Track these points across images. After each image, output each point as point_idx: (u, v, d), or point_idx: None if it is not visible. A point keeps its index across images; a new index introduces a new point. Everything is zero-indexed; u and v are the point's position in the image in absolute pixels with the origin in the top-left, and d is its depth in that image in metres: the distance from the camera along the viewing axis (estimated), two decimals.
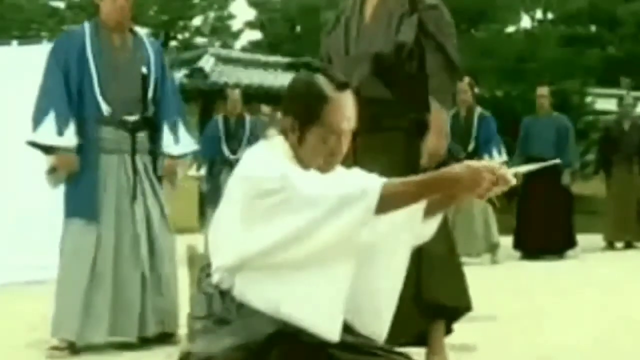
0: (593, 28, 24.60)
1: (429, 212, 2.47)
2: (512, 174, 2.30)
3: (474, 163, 2.28)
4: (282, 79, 17.60)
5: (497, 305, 5.69)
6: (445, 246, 3.69)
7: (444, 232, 3.20)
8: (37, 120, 4.55)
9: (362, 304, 2.45)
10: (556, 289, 7.01)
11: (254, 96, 13.85)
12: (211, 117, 10.28)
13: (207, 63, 17.91)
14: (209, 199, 9.34)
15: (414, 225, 2.46)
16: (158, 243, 4.71)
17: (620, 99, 11.51)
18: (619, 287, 7.09)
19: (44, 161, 4.67)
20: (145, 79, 4.69)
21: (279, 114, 11.86)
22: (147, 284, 4.65)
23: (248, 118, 9.40)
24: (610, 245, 11.10)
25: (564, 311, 5.80)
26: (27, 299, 6.29)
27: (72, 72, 4.60)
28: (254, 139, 8.87)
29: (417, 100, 3.76)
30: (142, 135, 4.74)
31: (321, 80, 2.44)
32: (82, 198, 4.60)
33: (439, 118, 3.72)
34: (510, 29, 23.08)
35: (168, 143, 4.78)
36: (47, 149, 4.60)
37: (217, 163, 9.15)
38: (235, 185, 2.41)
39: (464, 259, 4.80)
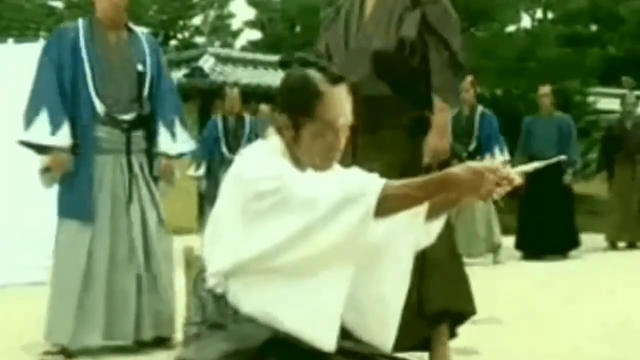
0: (594, 27, 24.53)
1: (431, 215, 2.38)
2: (517, 173, 2.21)
3: (475, 164, 2.18)
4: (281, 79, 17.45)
5: (500, 308, 5.62)
6: (447, 249, 3.59)
7: (446, 235, 3.11)
8: (30, 119, 4.46)
9: (365, 312, 2.36)
10: (559, 291, 6.94)
11: (253, 95, 13.77)
12: (210, 117, 10.23)
13: (206, 62, 17.83)
14: (207, 199, 9.26)
15: (416, 228, 2.37)
16: (154, 244, 4.62)
17: (623, 98, 11.42)
18: (623, 289, 7.02)
19: (37, 161, 4.58)
20: (141, 76, 4.59)
21: (281, 118, 11.78)
22: (142, 286, 4.56)
23: (247, 117, 9.33)
24: (613, 245, 11.03)
25: (567, 314, 5.73)
26: (26, 300, 6.19)
27: (66, 69, 4.50)
28: (253, 138, 8.86)
29: (419, 97, 3.67)
30: (138, 135, 4.64)
31: (314, 74, 2.35)
32: (76, 199, 4.51)
33: (442, 116, 3.62)
34: (511, 28, 23.06)
35: (165, 142, 4.68)
36: (40, 149, 4.51)
37: (215, 162, 9.07)
38: (229, 186, 2.32)
39: (465, 260, 4.75)
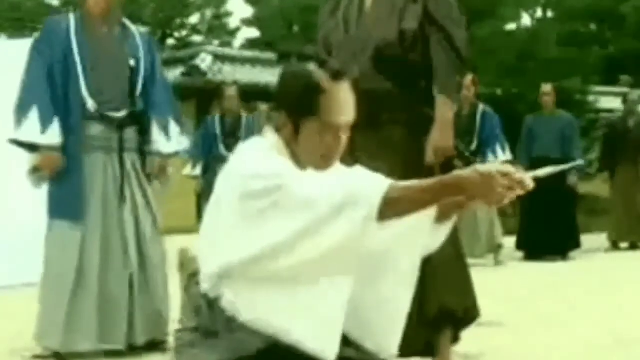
0: (594, 26, 24.45)
1: (438, 218, 2.25)
2: (530, 178, 2.07)
3: (486, 167, 2.06)
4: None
5: (503, 311, 5.52)
6: (452, 252, 3.45)
7: (452, 237, 2.97)
8: (20, 117, 4.32)
9: (369, 318, 2.26)
10: (562, 293, 6.83)
11: (251, 94, 13.70)
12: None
13: (203, 61, 17.74)
14: (205, 198, 9.15)
15: (424, 232, 2.24)
16: (147, 246, 4.49)
17: (625, 96, 11.31)
18: (627, 291, 6.91)
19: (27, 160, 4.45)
20: (133, 72, 4.46)
21: (279, 115, 11.74)
22: (135, 288, 4.43)
23: (245, 116, 9.22)
24: (615, 246, 10.92)
25: (572, 316, 5.62)
26: (16, 302, 6.08)
27: (56, 65, 4.36)
28: (251, 137, 8.77)
29: (421, 93, 3.54)
30: (130, 132, 4.50)
31: (314, 70, 2.24)
32: (66, 199, 4.37)
33: (445, 112, 3.48)
34: (511, 26, 22.98)
35: (158, 140, 4.54)
36: (30, 147, 4.38)
37: (213, 162, 8.96)
38: (225, 185, 2.20)
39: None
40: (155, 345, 4.49)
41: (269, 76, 17.93)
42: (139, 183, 4.51)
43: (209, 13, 29.52)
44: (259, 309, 2.11)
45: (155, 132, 4.54)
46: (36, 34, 4.56)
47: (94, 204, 4.39)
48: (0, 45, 8.39)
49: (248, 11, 29.91)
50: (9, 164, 6.00)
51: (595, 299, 6.47)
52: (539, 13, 25.01)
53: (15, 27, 23.69)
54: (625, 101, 11.23)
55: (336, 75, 2.22)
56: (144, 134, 4.55)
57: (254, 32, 29.62)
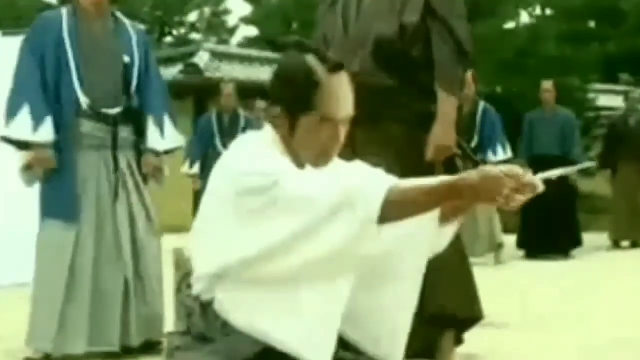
0: (592, 24, 24.37)
1: (443, 219, 2.16)
2: (540, 180, 1.98)
3: (492, 169, 1.96)
4: None
5: (505, 311, 5.44)
6: (454, 251, 3.35)
7: (454, 238, 2.89)
8: (11, 114, 4.21)
9: (372, 325, 2.17)
10: (563, 293, 6.79)
11: (250, 92, 13.63)
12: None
13: (202, 59, 17.66)
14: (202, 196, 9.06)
15: (429, 234, 2.15)
16: (143, 245, 4.39)
17: (626, 94, 11.24)
18: (630, 290, 6.83)
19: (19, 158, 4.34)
20: (127, 68, 4.36)
21: (273, 110, 11.68)
22: (130, 289, 4.33)
23: (242, 114, 9.16)
24: (616, 245, 10.84)
25: (576, 317, 5.55)
26: (8, 303, 6.00)
27: (48, 60, 4.25)
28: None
29: (423, 88, 3.43)
30: (125, 130, 4.39)
31: (312, 61, 2.13)
32: (59, 198, 4.27)
33: (447, 108, 3.38)
34: (510, 25, 22.92)
35: (153, 138, 4.44)
36: (22, 145, 4.27)
37: (210, 159, 8.89)
38: (219, 181, 2.11)
39: None
40: (151, 346, 4.40)
41: (268, 74, 17.86)
42: (133, 181, 4.42)
43: (207, 11, 29.46)
44: (250, 316, 2.03)
45: (150, 130, 4.44)
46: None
47: (88, 203, 4.29)
48: None
49: (247, 9, 29.82)
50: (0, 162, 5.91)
51: (597, 298, 6.42)
52: (538, 11, 24.97)
53: (11, 26, 23.59)
54: (626, 99, 11.16)
55: (334, 68, 2.13)
56: (139, 131, 4.45)
57: (252, 31, 29.58)
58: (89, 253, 4.27)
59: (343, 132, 2.16)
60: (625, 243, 10.90)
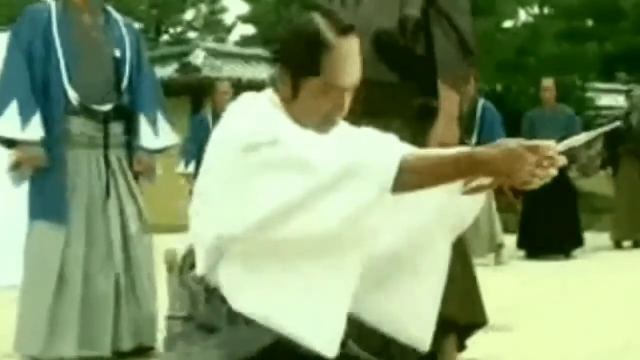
0: (591, 22, 24.31)
1: (467, 192, 2.02)
2: (560, 151, 1.85)
3: (513, 142, 1.83)
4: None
5: (507, 313, 5.31)
6: (457, 255, 3.22)
7: (456, 242, 2.77)
8: None
9: (400, 309, 2.08)
10: (565, 294, 6.68)
11: (246, 90, 13.60)
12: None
13: (198, 57, 17.58)
14: None
15: (452, 211, 2.07)
16: (134, 246, 4.28)
17: (628, 92, 11.13)
18: (633, 291, 6.71)
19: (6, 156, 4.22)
20: (118, 63, 4.23)
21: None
22: (121, 292, 4.21)
23: None
24: (618, 245, 10.72)
25: (575, 319, 5.46)
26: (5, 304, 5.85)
27: (37, 56, 4.13)
28: None
29: (425, 84, 3.30)
30: (116, 127, 4.27)
31: (321, 23, 1.99)
32: (48, 198, 4.15)
33: (449, 103, 3.25)
34: (508, 23, 22.87)
35: (145, 136, 4.33)
36: (10, 143, 4.15)
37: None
38: (216, 147, 1.97)
39: None
40: (143, 351, 4.29)
41: (264, 73, 17.81)
42: (125, 180, 4.30)
43: (204, 9, 29.39)
44: (254, 300, 1.90)
45: (142, 127, 4.32)
46: None
47: (78, 203, 4.17)
48: None
49: (244, 7, 29.73)
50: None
51: (600, 300, 6.31)
52: (536, 9, 24.91)
53: (4, 23, 23.49)
54: (629, 97, 11.05)
55: (344, 30, 1.99)
56: (130, 128, 4.33)
57: (249, 29, 29.51)
58: (79, 254, 4.16)
59: (348, 99, 2.04)
60: (626, 243, 10.79)
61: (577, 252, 9.67)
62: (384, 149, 1.91)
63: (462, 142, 3.36)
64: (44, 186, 4.16)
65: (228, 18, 31.54)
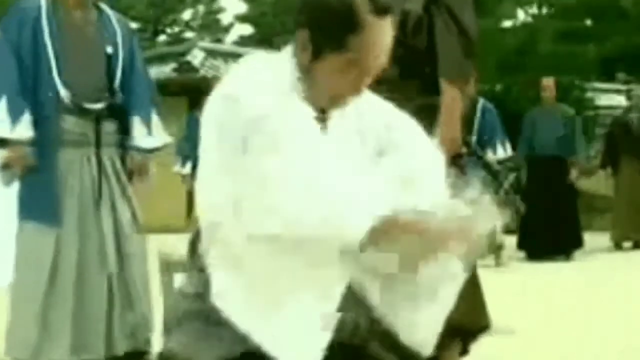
0: (589, 22, 24.28)
1: None
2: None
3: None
4: None
5: (509, 316, 5.22)
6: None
7: None
8: None
9: (407, 310, 1.99)
10: (567, 296, 6.65)
11: None
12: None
13: (196, 57, 17.49)
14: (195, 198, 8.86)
15: None
16: (128, 248, 4.16)
17: (629, 91, 11.06)
18: (633, 293, 6.64)
19: None
20: (110, 60, 4.12)
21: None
22: (114, 295, 4.11)
23: None
24: (618, 246, 10.64)
25: (576, 322, 5.43)
26: None
27: (26, 52, 4.01)
28: None
29: (426, 80, 3.21)
30: (108, 126, 4.16)
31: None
32: (39, 198, 4.04)
33: (451, 101, 3.16)
34: (507, 23, 22.85)
35: (139, 135, 4.21)
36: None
37: None
38: (213, 109, 1.90)
39: None
40: (137, 355, 4.18)
41: None
42: (117, 180, 4.19)
43: (202, 9, 29.32)
44: (235, 306, 1.82)
45: (136, 126, 4.21)
46: None
47: (69, 204, 4.06)
48: None
49: (242, 7, 29.69)
50: None
51: (601, 302, 6.28)
52: (535, 9, 24.87)
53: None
54: (629, 97, 10.98)
55: (381, 10, 1.88)
56: (124, 127, 4.23)
57: (247, 29, 29.46)
58: (71, 256, 4.05)
59: (367, 81, 1.95)
60: (627, 244, 10.71)
61: (577, 252, 9.59)
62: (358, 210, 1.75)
63: (464, 142, 3.27)
64: (34, 187, 4.06)
65: (226, 18, 31.56)
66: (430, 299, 2.00)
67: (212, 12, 29.52)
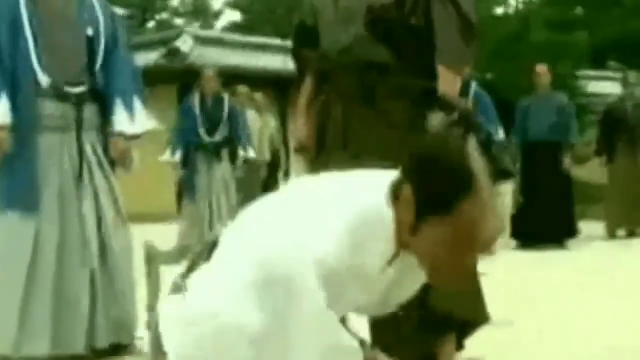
0: (580, 10, 24.21)
1: None
2: None
3: None
4: (262, 60, 17.21)
5: (503, 307, 5.11)
6: None
7: None
8: None
9: None
10: (559, 284, 6.50)
11: (233, 77, 13.43)
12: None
13: (184, 43, 17.36)
14: (184, 186, 8.73)
15: None
16: (110, 237, 4.05)
17: (624, 78, 10.96)
18: (627, 282, 6.57)
19: None
20: (91, 42, 3.99)
21: (256, 95, 11.45)
22: (97, 285, 3.99)
23: (227, 97, 8.85)
24: (612, 234, 10.55)
25: (569, 310, 5.34)
26: None
27: (3, 35, 3.89)
28: (233, 119, 8.56)
29: (424, 65, 3.07)
30: (89, 110, 4.04)
31: (473, 156, 1.64)
32: (17, 186, 3.92)
33: (449, 85, 3.02)
34: (499, 10, 22.74)
35: (121, 120, 4.09)
36: None
37: (193, 150, 8.58)
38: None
39: None
40: (120, 349, 4.08)
41: (252, 59, 17.66)
42: (99, 167, 4.08)
43: None
44: None
45: (118, 111, 4.08)
46: None
47: (49, 192, 3.94)
48: None
49: None
50: None
51: (592, 291, 6.19)
52: None
53: None
54: (624, 84, 10.87)
55: (498, 175, 1.67)
56: (105, 112, 4.10)
57: (237, 15, 29.31)
58: (51, 246, 3.94)
59: (474, 261, 1.78)
60: (620, 232, 10.62)
61: (570, 241, 9.50)
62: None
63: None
64: (12, 173, 3.95)
65: (215, 4, 31.35)
66: None
67: None
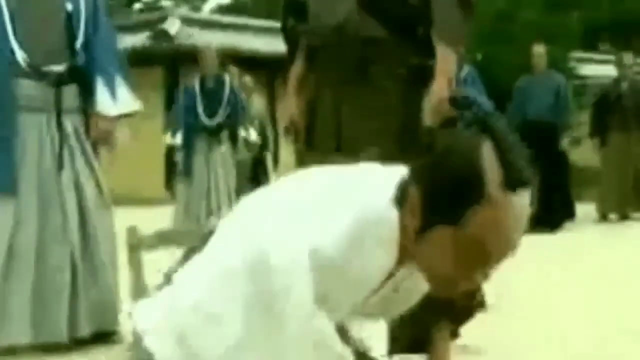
0: None
1: None
2: None
3: None
4: (251, 42, 17.18)
5: (497, 294, 5.04)
6: None
7: None
8: None
9: None
10: (555, 272, 6.40)
11: (222, 59, 13.39)
12: (177, 82, 9.70)
13: (172, 25, 17.19)
14: (182, 169, 8.62)
15: None
16: (92, 222, 3.95)
17: (620, 59, 10.85)
18: (619, 265, 6.55)
19: None
20: (71, 18, 3.86)
21: (246, 77, 11.32)
22: (78, 272, 3.89)
23: (228, 78, 8.72)
24: (604, 217, 10.49)
25: (574, 300, 5.22)
26: None
27: None
28: (233, 100, 8.45)
29: (419, 41, 2.98)
30: (70, 90, 3.93)
31: (488, 163, 1.47)
32: None
33: (446, 62, 2.94)
34: None
35: (103, 100, 3.98)
36: None
37: (193, 132, 8.48)
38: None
39: None
40: (103, 336, 3.98)
41: (241, 41, 17.55)
42: (80, 148, 3.98)
43: None
44: None
45: (99, 90, 3.97)
46: None
47: (28, 174, 3.84)
48: None
49: None
50: None
51: (585, 274, 6.18)
52: None
53: None
54: (619, 65, 10.75)
55: (514, 184, 1.49)
56: (86, 92, 3.98)
57: None
58: (31, 230, 3.84)
59: (485, 278, 1.58)
60: (613, 215, 10.55)
61: (564, 224, 9.49)
62: None
63: (453, 103, 3.03)
64: None
65: None
66: None
67: None
